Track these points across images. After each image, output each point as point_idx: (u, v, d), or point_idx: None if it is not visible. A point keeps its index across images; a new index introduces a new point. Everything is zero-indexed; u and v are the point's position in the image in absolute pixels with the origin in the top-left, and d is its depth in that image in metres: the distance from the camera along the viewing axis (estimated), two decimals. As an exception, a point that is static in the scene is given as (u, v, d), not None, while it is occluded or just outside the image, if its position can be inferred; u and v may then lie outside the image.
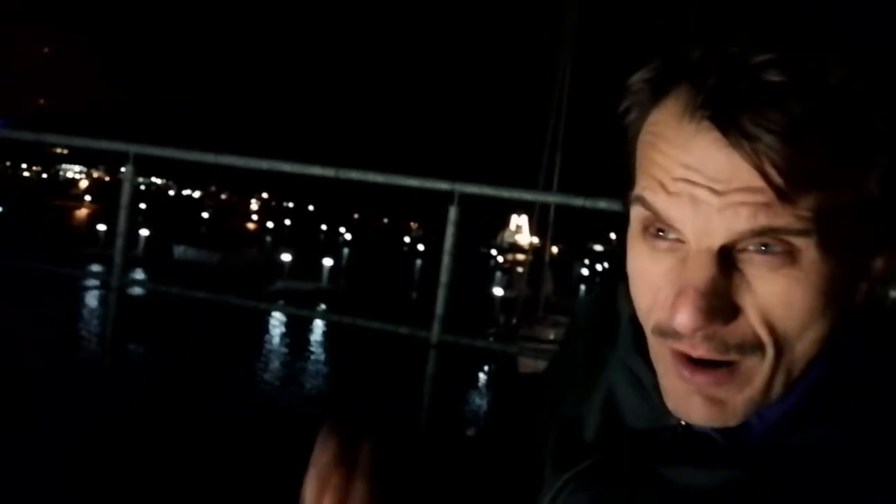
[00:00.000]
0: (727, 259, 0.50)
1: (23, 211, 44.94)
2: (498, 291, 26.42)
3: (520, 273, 26.93)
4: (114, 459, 3.04)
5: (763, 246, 0.49)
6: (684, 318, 0.49)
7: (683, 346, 0.52)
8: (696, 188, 0.49)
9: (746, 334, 0.50)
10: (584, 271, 62.98)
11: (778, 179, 0.47)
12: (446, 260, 2.99)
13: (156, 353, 11.32)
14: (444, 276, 2.97)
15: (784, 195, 0.47)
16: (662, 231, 0.53)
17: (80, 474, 2.89)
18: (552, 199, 3.40)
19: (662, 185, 0.51)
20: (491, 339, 15.57)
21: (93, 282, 18.48)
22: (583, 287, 45.83)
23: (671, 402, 0.56)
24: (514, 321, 20.30)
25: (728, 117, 0.48)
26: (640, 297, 0.56)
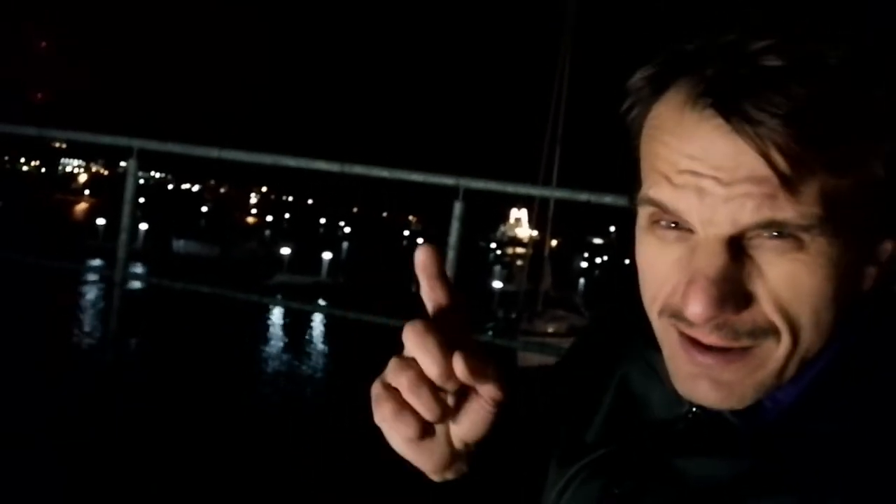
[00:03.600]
0: (736, 246, 0.50)
1: (23, 205, 44.88)
2: (497, 285, 26.42)
3: (519, 267, 26.93)
4: (117, 451, 3.05)
5: (771, 234, 0.49)
6: (697, 308, 0.49)
7: (694, 333, 0.52)
8: (701, 179, 0.49)
9: (758, 321, 0.50)
10: (584, 264, 62.96)
11: (782, 164, 0.47)
12: (451, 254, 2.99)
13: (158, 346, 11.32)
14: (448, 272, 2.97)
15: (788, 182, 0.47)
16: (671, 222, 0.53)
17: (83, 467, 2.90)
18: (556, 194, 3.40)
19: (668, 179, 0.51)
20: (490, 333, 15.58)
21: (95, 276, 18.47)
22: (582, 281, 45.80)
23: (678, 384, 0.55)
24: (514, 315, 20.31)
25: (730, 103, 0.48)
26: (647, 287, 0.56)
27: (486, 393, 0.52)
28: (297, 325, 18.52)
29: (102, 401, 3.46)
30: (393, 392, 0.52)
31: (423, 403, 0.51)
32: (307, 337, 17.96)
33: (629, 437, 0.62)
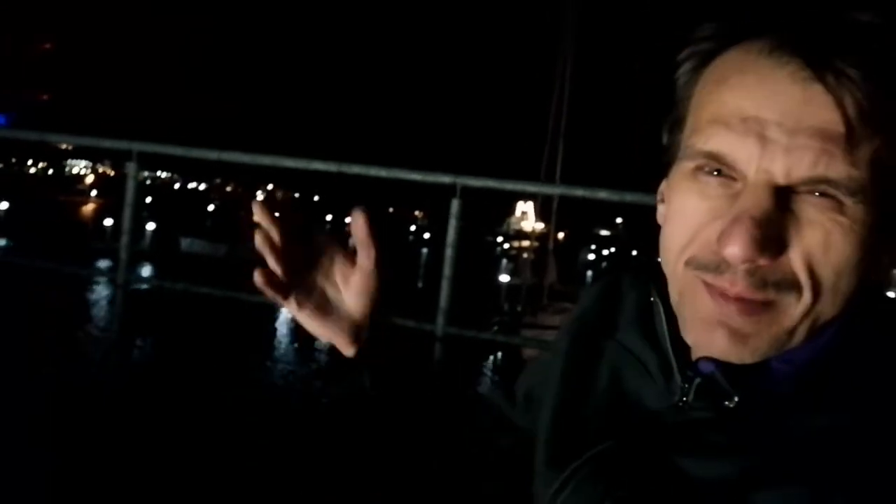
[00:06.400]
0: (783, 196, 0.50)
1: (30, 207, 45.05)
2: (503, 279, 26.40)
3: (525, 260, 26.89)
4: (121, 452, 3.08)
5: (817, 192, 0.49)
6: (737, 247, 0.49)
7: (722, 282, 0.52)
8: (766, 126, 0.49)
9: (787, 273, 0.50)
10: (591, 257, 62.76)
11: (853, 115, 0.47)
12: (449, 252, 3.00)
13: (159, 348, 11.36)
14: (447, 269, 2.98)
15: (850, 139, 0.47)
16: (715, 170, 0.52)
17: (87, 467, 2.93)
18: (553, 190, 3.40)
19: (729, 126, 0.51)
20: (495, 328, 15.57)
21: (100, 277, 18.55)
22: (589, 273, 45.70)
23: (692, 333, 0.55)
24: (519, 309, 20.29)
25: (814, 50, 0.48)
26: (677, 234, 0.55)
27: (361, 256, 0.69)
28: (297, 323, 18.52)
29: (105, 402, 3.49)
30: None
31: (270, 262, 0.70)
32: (307, 333, 17.96)
33: (624, 433, 0.61)
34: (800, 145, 0.48)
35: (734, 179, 0.52)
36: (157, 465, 3.01)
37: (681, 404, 0.58)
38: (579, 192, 2.73)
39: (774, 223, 0.49)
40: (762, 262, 0.50)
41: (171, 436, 3.27)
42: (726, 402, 0.55)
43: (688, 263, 0.54)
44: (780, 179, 0.49)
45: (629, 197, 2.43)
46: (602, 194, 2.61)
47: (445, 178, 3.01)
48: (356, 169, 3.27)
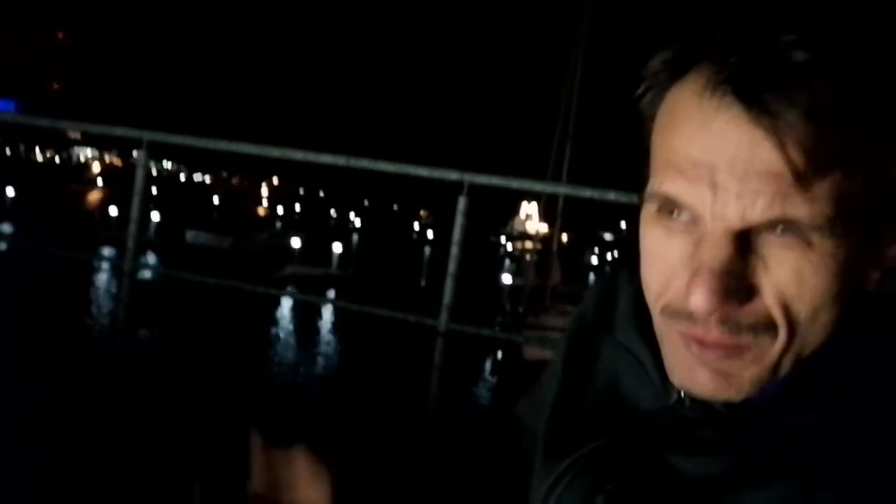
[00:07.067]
0: (743, 240, 0.49)
1: (36, 194, 45.19)
2: (506, 279, 26.42)
3: (528, 261, 26.89)
4: (124, 438, 3.09)
5: (780, 231, 0.49)
6: (700, 301, 0.49)
7: (696, 331, 0.51)
8: (715, 172, 0.49)
9: (760, 315, 0.50)
10: (594, 259, 62.78)
11: (799, 160, 0.46)
12: (455, 250, 3.00)
13: (164, 336, 11.41)
14: (452, 266, 2.99)
15: (803, 179, 0.46)
16: (677, 212, 0.52)
17: (91, 453, 2.94)
18: (560, 189, 3.40)
19: (681, 172, 0.51)
20: (497, 328, 15.57)
21: (106, 265, 18.60)
22: (592, 276, 45.70)
23: (677, 375, 0.55)
24: (521, 310, 20.29)
25: (751, 93, 0.47)
26: (652, 279, 0.55)
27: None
28: (308, 317, 18.59)
29: (106, 392, 3.50)
30: None
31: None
32: (317, 329, 18.03)
33: (618, 431, 0.62)
34: (752, 189, 0.47)
35: (697, 222, 0.51)
36: (156, 464, 3.03)
37: (678, 408, 0.59)
38: (587, 193, 2.72)
39: (737, 271, 0.49)
40: (729, 309, 0.50)
41: (172, 431, 3.29)
42: (723, 408, 0.56)
43: (663, 311, 0.54)
44: (738, 224, 0.49)
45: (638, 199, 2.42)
46: (611, 195, 2.61)
47: (453, 175, 3.01)
48: (364, 163, 3.27)
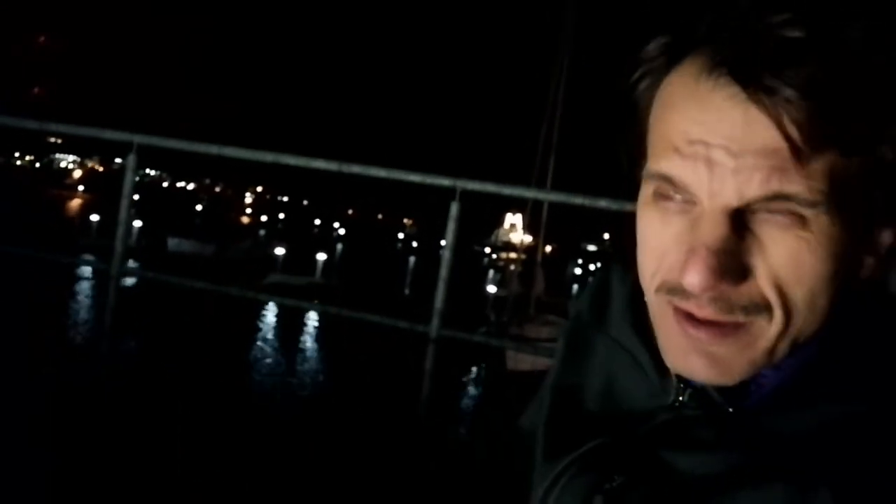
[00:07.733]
0: (739, 219, 0.49)
1: (16, 200, 44.63)
2: (491, 289, 26.41)
3: (512, 271, 26.96)
4: (112, 446, 3.06)
5: (776, 210, 0.49)
6: (695, 278, 0.49)
7: (689, 306, 0.52)
8: (711, 149, 0.49)
9: (754, 295, 0.50)
10: (578, 271, 63.01)
11: (795, 135, 0.47)
12: (447, 255, 3.01)
13: (153, 341, 11.29)
14: (444, 271, 2.99)
15: (799, 154, 0.47)
16: (673, 194, 0.53)
17: (78, 460, 2.91)
18: (551, 197, 3.41)
19: (677, 150, 0.51)
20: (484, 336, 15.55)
21: (89, 270, 18.39)
22: (576, 287, 45.83)
23: (670, 358, 0.55)
24: (505, 319, 20.30)
25: (747, 72, 0.48)
26: (646, 261, 0.56)
27: None
28: (295, 324, 18.48)
29: (95, 396, 3.47)
30: None
31: None
32: (300, 335, 17.93)
33: (617, 430, 0.62)
34: (748, 166, 0.48)
35: (693, 203, 0.51)
36: (156, 464, 3.00)
37: (676, 405, 0.59)
38: (578, 200, 2.75)
39: (733, 250, 0.49)
40: (724, 288, 0.50)
41: (167, 434, 3.26)
42: (723, 408, 0.56)
43: (658, 289, 0.54)
44: (734, 202, 0.49)
45: (630, 206, 2.44)
46: (602, 203, 2.63)
47: (445, 181, 3.02)
48: (356, 169, 3.27)
